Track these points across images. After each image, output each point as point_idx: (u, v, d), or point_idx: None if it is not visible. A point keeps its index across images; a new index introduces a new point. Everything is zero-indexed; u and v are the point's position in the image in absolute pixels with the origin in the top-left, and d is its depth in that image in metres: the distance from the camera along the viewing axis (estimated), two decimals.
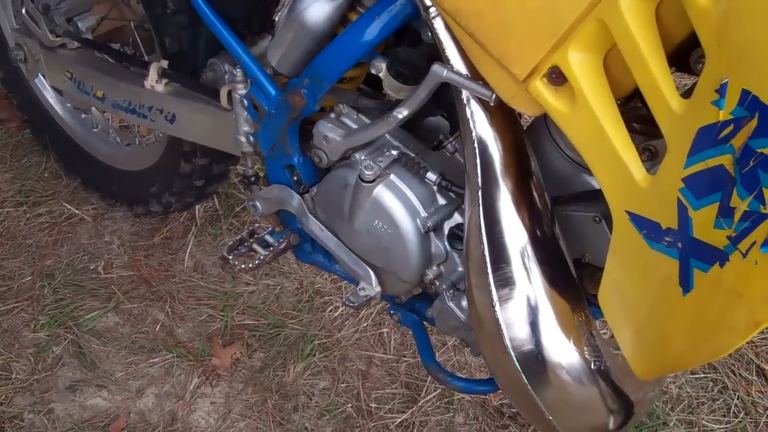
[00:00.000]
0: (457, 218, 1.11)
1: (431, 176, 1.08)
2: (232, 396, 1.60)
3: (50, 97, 1.94)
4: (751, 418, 1.58)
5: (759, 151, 0.68)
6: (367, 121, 1.15)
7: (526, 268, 0.95)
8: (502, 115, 0.95)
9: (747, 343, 1.66)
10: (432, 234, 1.11)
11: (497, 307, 0.95)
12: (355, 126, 1.16)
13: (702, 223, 0.75)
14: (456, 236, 1.11)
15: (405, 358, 1.67)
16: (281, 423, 1.56)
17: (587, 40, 0.81)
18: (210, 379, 1.62)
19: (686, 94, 0.77)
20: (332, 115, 1.18)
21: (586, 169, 0.99)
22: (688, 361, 0.84)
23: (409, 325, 1.30)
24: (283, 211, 1.32)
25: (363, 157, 1.11)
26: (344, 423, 1.56)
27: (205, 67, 1.37)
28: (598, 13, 0.78)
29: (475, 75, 0.93)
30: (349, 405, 1.59)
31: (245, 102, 1.27)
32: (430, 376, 1.58)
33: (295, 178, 1.28)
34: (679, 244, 0.78)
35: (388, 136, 1.13)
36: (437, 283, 1.14)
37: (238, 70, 1.26)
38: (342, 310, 1.75)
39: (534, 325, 0.95)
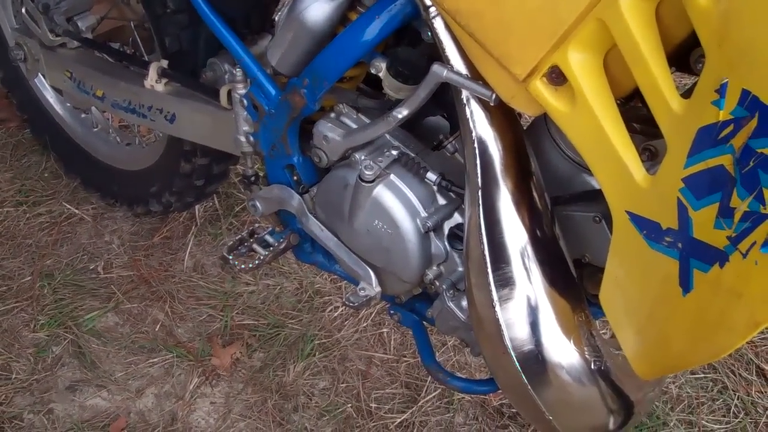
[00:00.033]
0: (457, 218, 1.11)
1: (431, 176, 1.08)
2: (232, 396, 1.60)
3: (50, 96, 1.94)
4: (751, 418, 1.58)
5: (759, 151, 0.68)
6: (367, 120, 1.15)
7: (526, 268, 0.95)
8: (502, 115, 0.95)
9: (747, 343, 1.66)
10: (432, 234, 1.11)
11: (497, 307, 0.95)
12: (354, 126, 1.16)
13: (702, 223, 0.75)
14: (456, 236, 1.11)
15: (405, 358, 1.67)
16: (281, 423, 1.55)
17: (587, 40, 0.81)
18: (210, 379, 1.62)
19: (686, 94, 0.77)
20: (332, 115, 1.18)
21: (586, 169, 0.99)
22: (688, 361, 0.84)
23: (409, 325, 1.30)
24: (283, 211, 1.32)
25: (363, 157, 1.11)
26: (344, 423, 1.56)
27: (204, 67, 1.37)
28: (598, 13, 0.78)
29: (475, 75, 0.93)
30: (349, 405, 1.58)
31: (245, 102, 1.27)
32: (430, 376, 1.58)
33: (295, 177, 1.28)
34: (679, 245, 0.78)
35: (388, 135, 1.13)
36: (437, 283, 1.14)
37: (237, 69, 1.26)
38: (342, 310, 1.75)
39: (534, 326, 0.95)
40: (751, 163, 0.69)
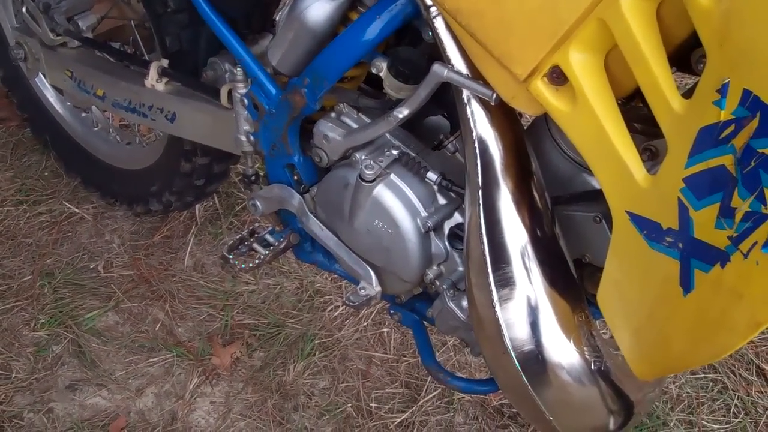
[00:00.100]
0: (457, 218, 1.11)
1: (432, 176, 1.08)
2: (232, 395, 1.60)
3: (50, 95, 1.94)
4: (751, 419, 1.58)
5: (760, 151, 0.68)
6: (368, 120, 1.15)
7: (526, 268, 0.95)
8: (502, 114, 0.95)
9: (747, 343, 1.66)
10: (432, 234, 1.11)
11: (497, 307, 0.95)
12: (355, 125, 1.16)
13: (703, 223, 0.75)
14: (456, 236, 1.11)
15: (405, 358, 1.67)
16: (281, 423, 1.55)
17: (588, 40, 0.81)
18: (210, 379, 1.62)
19: (687, 94, 0.77)
20: (333, 115, 1.18)
21: (586, 169, 0.99)
22: (689, 361, 0.84)
23: (409, 325, 1.30)
24: (284, 211, 1.32)
25: (363, 157, 1.11)
26: (344, 423, 1.56)
27: (205, 66, 1.37)
28: (599, 13, 0.78)
29: (476, 74, 0.93)
30: (349, 405, 1.58)
31: (245, 101, 1.27)
32: (430, 376, 1.58)
33: (295, 177, 1.28)
34: (680, 245, 0.78)
35: (388, 135, 1.13)
36: (437, 282, 1.14)
37: (238, 69, 1.26)
38: (342, 310, 1.75)
39: (534, 326, 0.95)
40: (752, 163, 0.69)
